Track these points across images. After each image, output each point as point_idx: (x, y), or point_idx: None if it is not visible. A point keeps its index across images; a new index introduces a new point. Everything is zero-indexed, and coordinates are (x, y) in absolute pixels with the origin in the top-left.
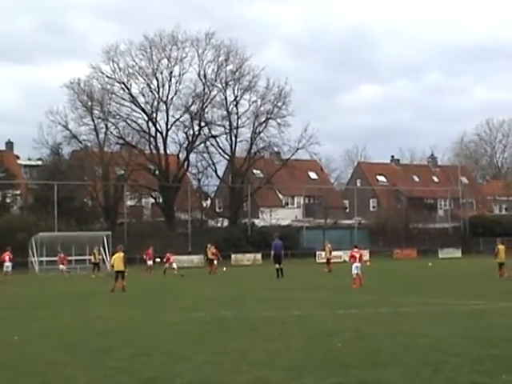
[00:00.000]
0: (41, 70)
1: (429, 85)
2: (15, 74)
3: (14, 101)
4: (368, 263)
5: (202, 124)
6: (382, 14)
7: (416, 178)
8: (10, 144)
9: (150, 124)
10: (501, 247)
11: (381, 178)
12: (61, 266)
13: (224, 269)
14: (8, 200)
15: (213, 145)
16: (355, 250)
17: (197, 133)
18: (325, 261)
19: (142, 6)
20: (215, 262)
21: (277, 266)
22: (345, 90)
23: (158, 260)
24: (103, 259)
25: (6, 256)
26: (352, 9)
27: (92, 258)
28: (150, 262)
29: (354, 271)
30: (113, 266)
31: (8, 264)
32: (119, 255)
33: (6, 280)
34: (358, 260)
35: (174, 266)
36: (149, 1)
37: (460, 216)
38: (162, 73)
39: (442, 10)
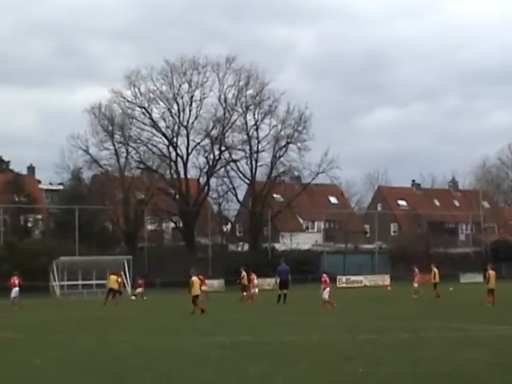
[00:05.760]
0: (57, 93)
1: (446, 108)
2: (30, 97)
3: (31, 125)
4: (389, 288)
5: (223, 148)
6: (397, 35)
7: (437, 203)
8: (31, 168)
9: (171, 148)
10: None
11: (401, 203)
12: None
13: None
14: (29, 224)
15: (233, 169)
16: (324, 275)
17: (217, 157)
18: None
19: (158, 29)
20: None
21: (280, 291)
22: (362, 113)
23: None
24: (124, 284)
25: (16, 281)
26: (366, 30)
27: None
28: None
29: (325, 296)
30: (190, 291)
31: (16, 289)
32: (196, 279)
33: (13, 306)
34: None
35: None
36: (164, 24)
37: (482, 240)
38: (182, 97)
39: (458, 31)
